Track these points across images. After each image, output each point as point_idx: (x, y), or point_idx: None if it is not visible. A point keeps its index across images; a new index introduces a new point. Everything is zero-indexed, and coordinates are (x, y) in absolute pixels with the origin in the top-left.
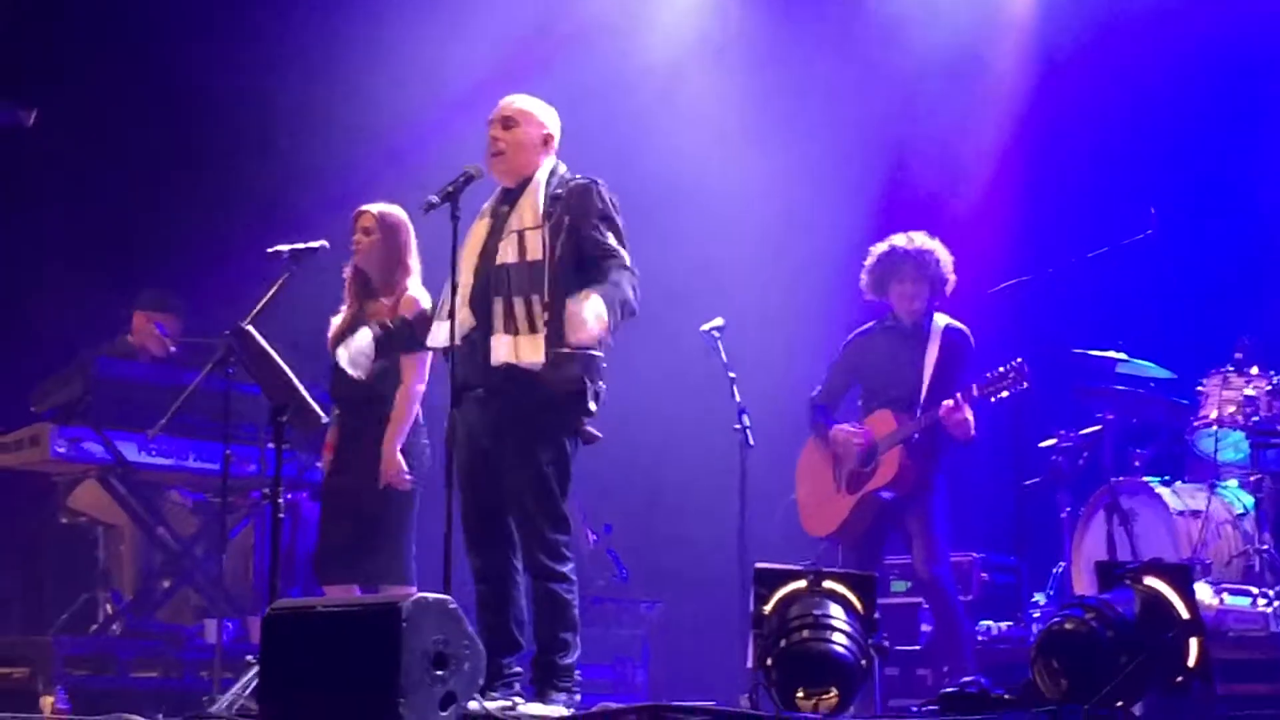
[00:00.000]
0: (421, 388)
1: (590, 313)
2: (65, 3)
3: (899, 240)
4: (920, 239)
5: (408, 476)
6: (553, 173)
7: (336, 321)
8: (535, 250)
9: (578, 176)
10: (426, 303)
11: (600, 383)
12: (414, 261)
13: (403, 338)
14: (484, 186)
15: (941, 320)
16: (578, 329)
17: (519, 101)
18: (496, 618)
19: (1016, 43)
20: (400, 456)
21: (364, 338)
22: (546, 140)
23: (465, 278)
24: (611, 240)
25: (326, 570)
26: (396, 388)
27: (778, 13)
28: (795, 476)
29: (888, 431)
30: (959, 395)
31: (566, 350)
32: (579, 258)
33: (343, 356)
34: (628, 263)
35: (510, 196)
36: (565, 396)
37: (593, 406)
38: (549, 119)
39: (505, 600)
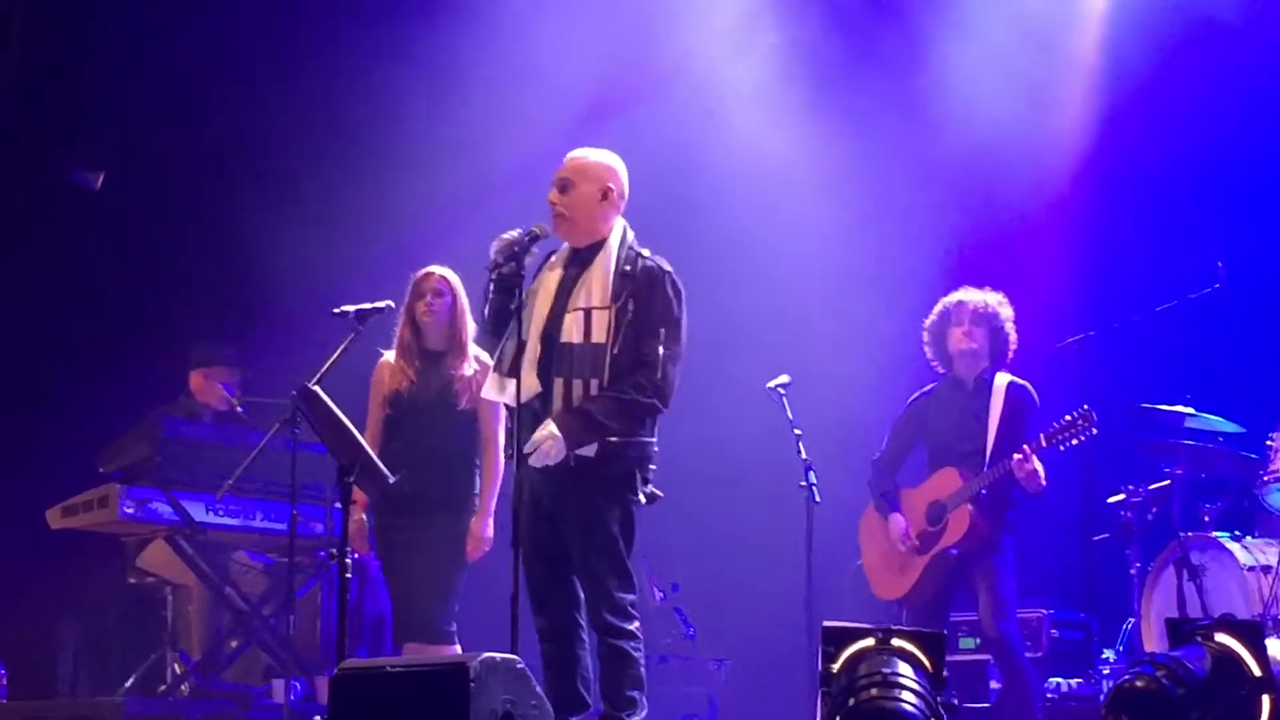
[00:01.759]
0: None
1: (543, 440)
2: (128, 64)
3: (956, 293)
4: (977, 292)
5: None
6: (621, 243)
7: (390, 379)
8: (599, 333)
9: (646, 254)
10: (486, 360)
11: (650, 468)
12: (470, 321)
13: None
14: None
15: (1004, 378)
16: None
17: (576, 159)
18: (562, 677)
19: (1082, 94)
20: (490, 526)
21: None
22: (606, 194)
23: (533, 342)
24: (659, 352)
25: (411, 628)
26: (471, 446)
27: (842, 66)
28: (860, 540)
29: (954, 489)
30: (1027, 447)
31: (617, 441)
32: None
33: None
34: (659, 377)
35: (580, 259)
36: (616, 482)
37: (640, 498)
38: (609, 172)
39: (571, 659)
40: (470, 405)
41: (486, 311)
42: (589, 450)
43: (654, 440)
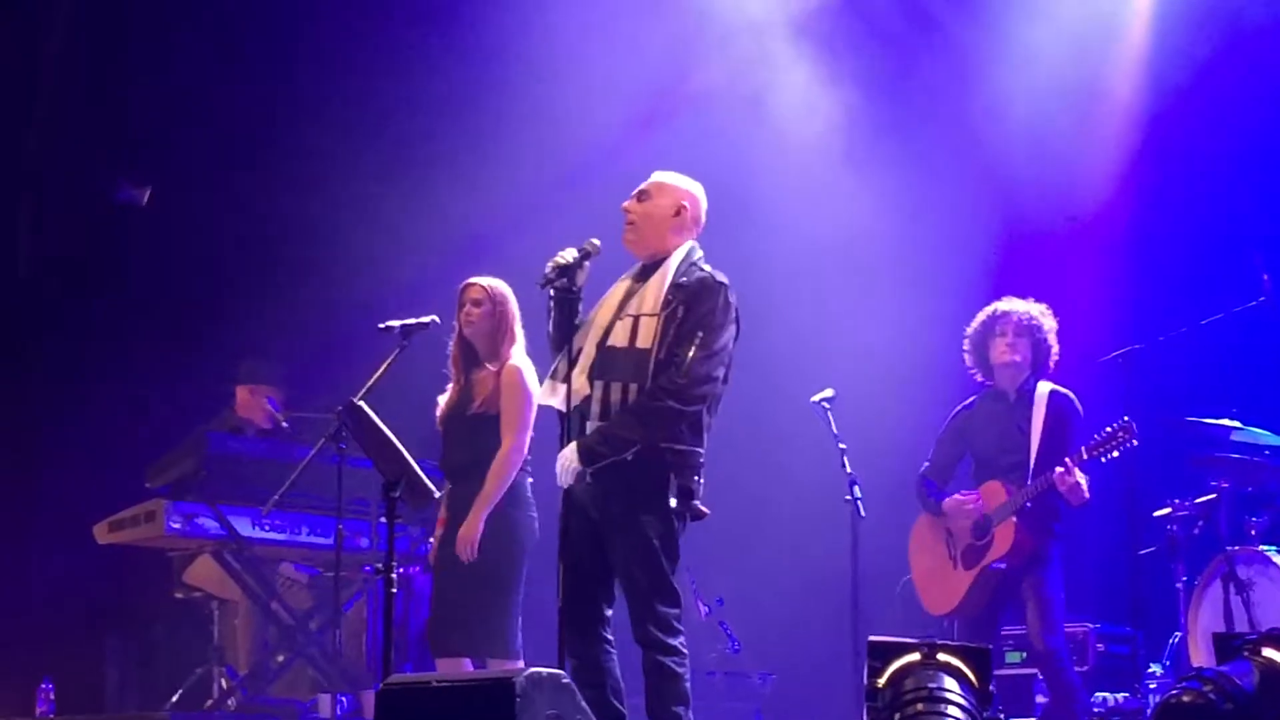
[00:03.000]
0: (519, 458)
1: (561, 465)
2: (174, 77)
3: (998, 304)
4: (1020, 302)
5: (475, 555)
6: (686, 257)
7: (443, 399)
8: (646, 338)
9: (707, 268)
10: (529, 370)
11: (695, 478)
12: (519, 331)
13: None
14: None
15: (1045, 387)
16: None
17: (659, 175)
18: (595, 692)
19: (1126, 103)
20: (479, 529)
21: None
22: (679, 212)
23: (589, 348)
24: (689, 355)
25: (438, 643)
26: (487, 452)
27: (888, 75)
28: (909, 556)
29: (999, 503)
30: (1069, 460)
31: (652, 448)
32: None
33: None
34: (680, 377)
35: (646, 273)
36: (654, 489)
37: (672, 502)
38: (688, 194)
39: (600, 673)
40: (485, 409)
41: (550, 327)
42: (628, 455)
43: (696, 450)
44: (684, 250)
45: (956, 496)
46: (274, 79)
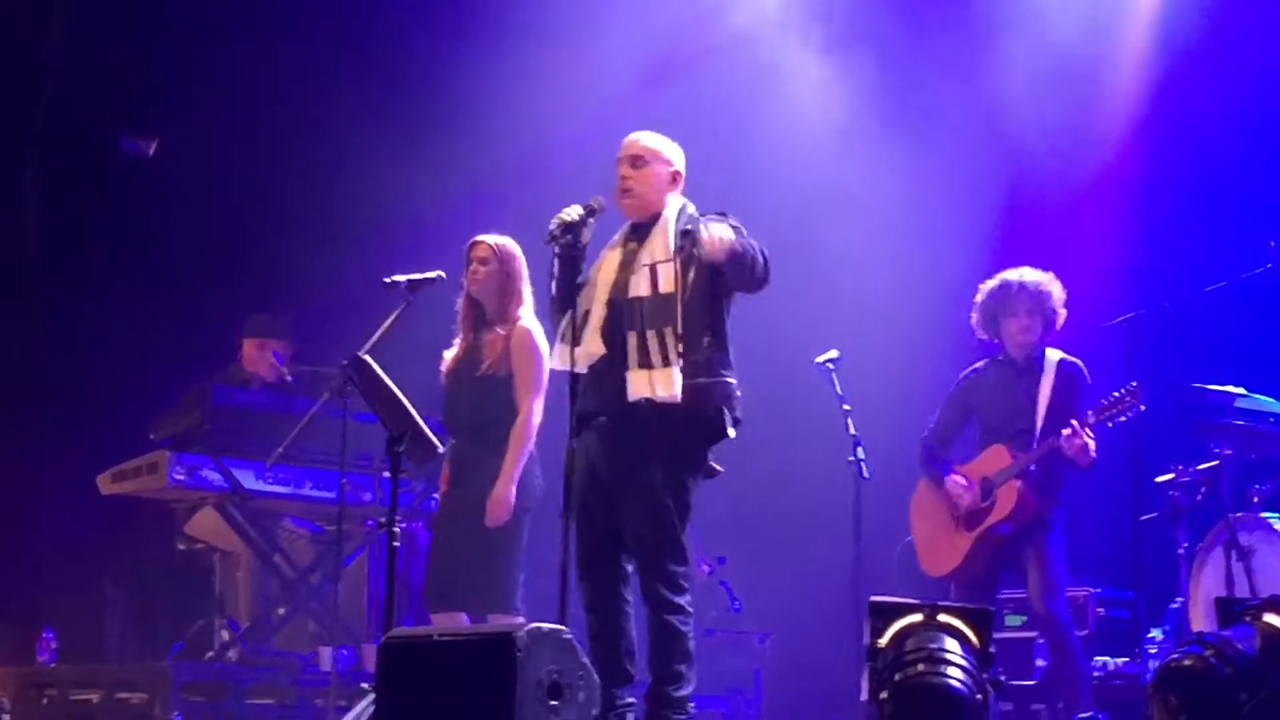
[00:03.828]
0: (538, 420)
1: (714, 232)
2: (183, 32)
3: (1010, 275)
4: (1031, 274)
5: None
6: (682, 210)
7: (450, 354)
8: (668, 284)
9: (708, 214)
10: (539, 333)
11: (737, 410)
12: (527, 291)
13: None
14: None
15: (1055, 355)
16: (705, 246)
17: (646, 139)
18: (608, 649)
19: (1132, 69)
20: (512, 494)
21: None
22: (674, 178)
23: (597, 308)
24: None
25: (435, 597)
26: (511, 415)
27: (894, 41)
28: (910, 518)
29: (1003, 466)
30: (1075, 423)
31: (703, 381)
32: (711, 290)
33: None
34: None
35: (639, 232)
36: (703, 426)
37: (732, 433)
38: (676, 157)
39: (616, 631)
40: (494, 370)
41: (553, 284)
42: (671, 395)
43: (734, 381)
44: (678, 204)
45: (958, 480)
46: (283, 34)
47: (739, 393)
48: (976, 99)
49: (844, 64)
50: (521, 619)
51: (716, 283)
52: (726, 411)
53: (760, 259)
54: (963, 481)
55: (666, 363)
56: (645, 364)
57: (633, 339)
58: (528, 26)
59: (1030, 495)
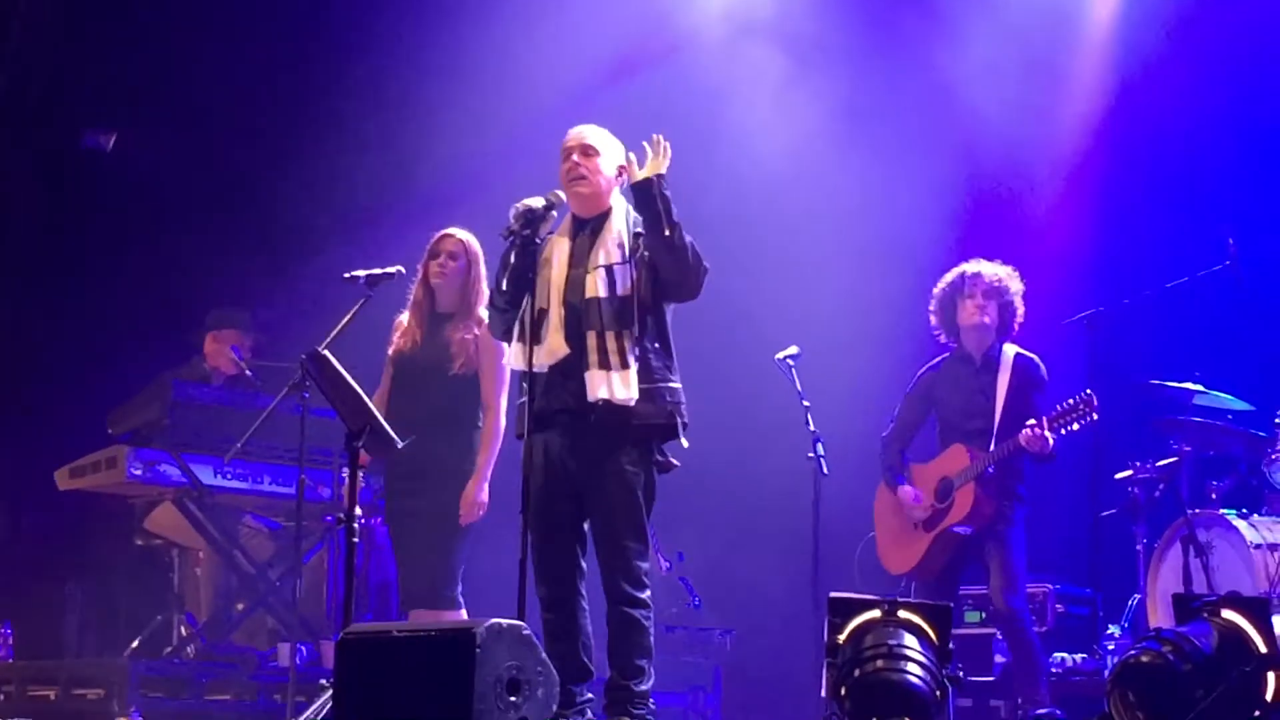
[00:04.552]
0: (504, 421)
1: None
2: (141, 32)
3: (967, 266)
4: (989, 265)
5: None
6: (628, 211)
7: (401, 341)
8: (624, 286)
9: None
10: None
11: (686, 415)
12: (486, 288)
13: None
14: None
15: (1011, 350)
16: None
17: (593, 131)
18: (566, 646)
19: (1093, 67)
20: (485, 492)
21: None
22: (620, 172)
23: (555, 307)
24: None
25: (423, 597)
26: (463, 414)
27: (854, 37)
28: (874, 515)
29: (962, 467)
30: (1032, 423)
31: (657, 385)
32: (654, 295)
33: None
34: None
35: (587, 227)
36: (657, 428)
37: (685, 443)
38: (620, 153)
39: (574, 628)
40: (466, 370)
41: (505, 277)
42: (628, 398)
43: (680, 386)
44: (623, 204)
45: (907, 491)
46: (242, 28)
47: (684, 399)
48: (937, 95)
49: (805, 61)
50: (464, 613)
51: (657, 288)
52: (678, 417)
53: (701, 266)
54: (911, 495)
55: (624, 365)
56: (604, 365)
57: (592, 339)
58: (490, 22)
59: (987, 497)
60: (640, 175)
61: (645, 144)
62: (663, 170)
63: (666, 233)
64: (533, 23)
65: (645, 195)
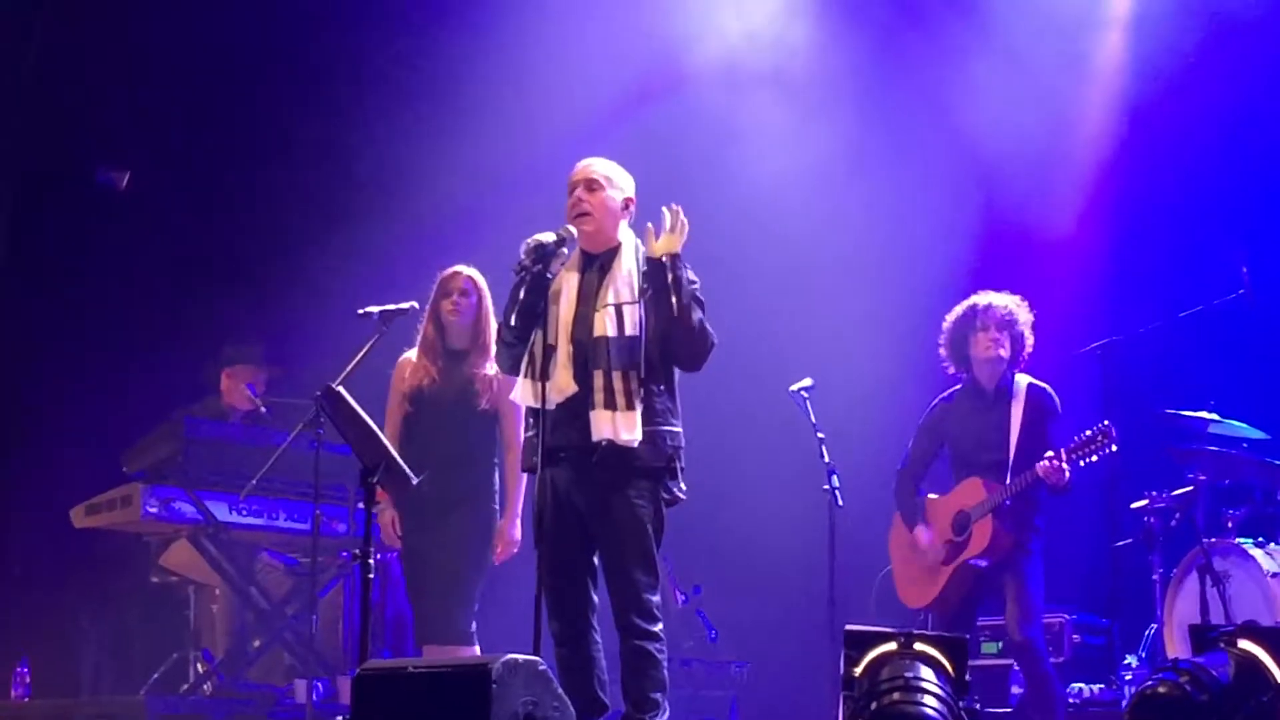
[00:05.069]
0: None
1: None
2: (154, 61)
3: (977, 298)
4: (999, 296)
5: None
6: (636, 246)
7: (415, 378)
8: (632, 326)
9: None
10: None
11: (683, 460)
12: (495, 324)
13: None
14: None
15: (1023, 380)
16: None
17: (601, 164)
18: (580, 680)
19: (1106, 95)
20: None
21: None
22: (627, 205)
23: (563, 343)
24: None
25: (441, 631)
26: (483, 450)
27: (867, 68)
28: (889, 548)
29: (978, 500)
30: (1050, 455)
31: (659, 428)
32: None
33: None
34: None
35: (596, 264)
36: (657, 471)
37: (682, 486)
38: (629, 185)
39: (587, 662)
40: (491, 406)
41: (515, 312)
42: (631, 439)
43: (681, 430)
44: (632, 239)
45: (921, 533)
46: (258, 62)
47: (683, 443)
48: (950, 128)
49: (819, 95)
50: (477, 649)
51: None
52: (677, 462)
53: (708, 344)
54: (926, 539)
55: (630, 406)
56: (610, 404)
57: (599, 378)
58: (498, 56)
59: (1005, 530)
60: (654, 252)
61: (665, 210)
62: (677, 250)
63: (675, 313)
64: (545, 55)
65: (658, 274)
